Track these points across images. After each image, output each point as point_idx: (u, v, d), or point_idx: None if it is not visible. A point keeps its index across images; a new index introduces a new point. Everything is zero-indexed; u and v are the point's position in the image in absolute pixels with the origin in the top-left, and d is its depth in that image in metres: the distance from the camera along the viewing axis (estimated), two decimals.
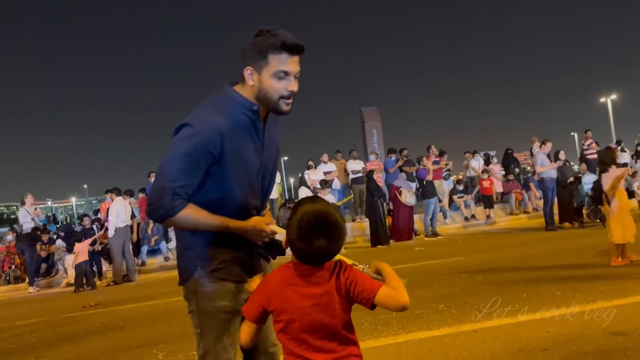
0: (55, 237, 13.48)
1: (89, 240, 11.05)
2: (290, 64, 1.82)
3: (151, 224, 12.48)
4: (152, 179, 13.32)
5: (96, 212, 14.01)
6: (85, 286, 10.39)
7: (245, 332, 1.68)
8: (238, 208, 1.89)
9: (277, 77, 1.81)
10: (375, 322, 4.45)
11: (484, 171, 15.01)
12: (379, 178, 13.87)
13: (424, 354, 3.57)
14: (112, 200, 11.41)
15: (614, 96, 36.64)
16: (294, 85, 1.84)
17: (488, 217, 14.19)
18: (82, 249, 10.72)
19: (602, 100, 36.98)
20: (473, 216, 14.32)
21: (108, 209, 11.47)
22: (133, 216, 11.60)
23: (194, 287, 1.90)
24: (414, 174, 13.26)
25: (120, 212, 10.92)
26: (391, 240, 11.88)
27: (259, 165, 1.94)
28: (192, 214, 1.79)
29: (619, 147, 17.38)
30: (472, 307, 4.71)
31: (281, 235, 1.84)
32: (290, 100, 1.87)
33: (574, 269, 6.04)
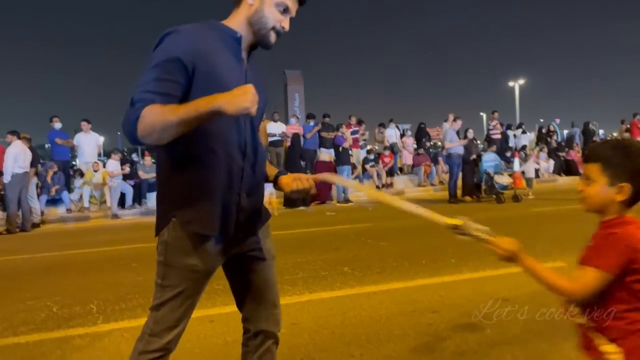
0: None
1: None
2: (293, 2, 1.78)
3: (51, 173, 11.72)
4: (56, 124, 12.63)
5: None
6: None
7: (592, 281, 1.42)
8: (222, 143, 1.69)
9: (280, 8, 1.75)
10: (281, 282, 4.49)
11: (385, 148, 15.65)
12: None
13: (324, 313, 3.72)
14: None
15: (521, 81, 38.92)
16: (287, 25, 1.79)
17: (389, 185, 14.97)
18: None
19: (511, 84, 39.18)
20: (384, 185, 14.84)
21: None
22: (35, 163, 10.81)
23: (165, 238, 1.73)
24: (333, 140, 13.46)
25: (18, 157, 10.08)
26: (312, 204, 12.40)
27: None
28: (154, 109, 1.53)
29: (520, 130, 18.64)
30: (374, 270, 4.94)
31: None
32: (278, 38, 1.80)
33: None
